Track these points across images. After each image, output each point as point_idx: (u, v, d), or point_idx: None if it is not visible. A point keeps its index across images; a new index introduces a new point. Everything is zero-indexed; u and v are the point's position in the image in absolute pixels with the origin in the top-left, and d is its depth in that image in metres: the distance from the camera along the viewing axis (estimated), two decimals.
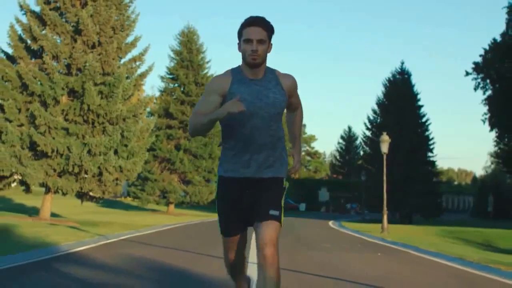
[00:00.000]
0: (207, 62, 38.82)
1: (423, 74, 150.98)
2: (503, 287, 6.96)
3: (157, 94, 38.57)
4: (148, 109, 34.42)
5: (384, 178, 22.04)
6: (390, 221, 39.40)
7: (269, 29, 3.27)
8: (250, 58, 3.22)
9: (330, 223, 31.35)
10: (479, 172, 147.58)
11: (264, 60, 3.28)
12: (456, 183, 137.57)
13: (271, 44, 3.31)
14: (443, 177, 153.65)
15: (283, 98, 3.35)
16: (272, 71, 3.39)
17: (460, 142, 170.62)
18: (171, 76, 38.44)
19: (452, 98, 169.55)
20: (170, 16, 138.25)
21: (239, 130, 3.29)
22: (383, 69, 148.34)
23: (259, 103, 3.28)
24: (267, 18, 3.32)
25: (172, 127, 37.29)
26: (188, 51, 38.32)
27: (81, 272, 6.96)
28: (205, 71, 38.56)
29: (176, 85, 38.35)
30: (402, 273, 7.98)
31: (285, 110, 3.55)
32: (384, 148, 21.35)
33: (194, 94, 37.19)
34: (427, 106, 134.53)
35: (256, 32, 3.21)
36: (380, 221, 26.26)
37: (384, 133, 22.14)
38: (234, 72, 3.34)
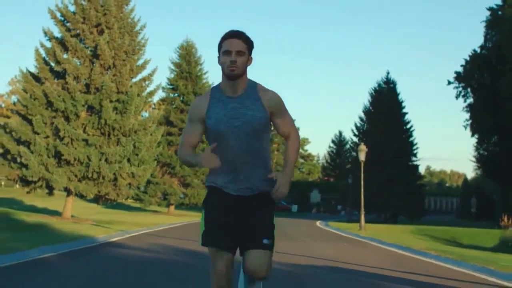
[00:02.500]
0: (205, 73, 41.84)
1: (409, 82, 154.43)
2: (418, 262, 10.00)
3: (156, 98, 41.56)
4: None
5: (362, 182, 25.12)
6: (375, 221, 42.76)
7: (249, 43, 3.26)
8: (228, 69, 3.19)
9: (318, 223, 34.35)
10: (470, 174, 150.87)
11: (243, 72, 3.23)
12: (447, 184, 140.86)
13: (251, 58, 3.29)
14: (435, 179, 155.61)
15: (262, 114, 3.26)
16: (254, 86, 3.32)
17: (453, 144, 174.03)
18: (171, 87, 41.44)
19: (439, 103, 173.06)
20: (171, 28, 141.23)
21: (219, 151, 3.21)
22: (374, 75, 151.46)
23: (236, 122, 3.22)
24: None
25: (172, 134, 40.26)
26: (187, 63, 41.30)
27: (130, 253, 9.96)
28: (203, 81, 41.54)
29: (176, 95, 41.36)
30: (352, 254, 11.05)
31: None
32: (362, 156, 24.42)
33: None
34: (413, 112, 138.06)
35: (235, 44, 3.20)
36: (365, 221, 29.32)
37: (362, 144, 25.19)
38: (214, 91, 3.33)
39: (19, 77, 72.68)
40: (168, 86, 41.47)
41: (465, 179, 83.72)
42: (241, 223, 3.25)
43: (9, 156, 21.92)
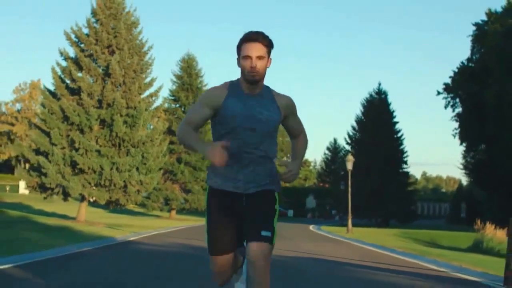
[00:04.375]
0: (205, 85, 44.17)
1: (405, 88, 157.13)
2: (383, 256, 12.27)
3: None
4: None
5: (349, 189, 27.43)
6: (367, 225, 44.94)
7: (269, 45, 3.25)
8: (249, 75, 3.21)
9: (311, 227, 36.60)
10: (465, 180, 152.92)
11: (263, 76, 3.26)
12: (443, 190, 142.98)
13: (271, 59, 3.30)
14: (431, 184, 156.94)
15: (277, 117, 3.32)
16: (268, 89, 3.37)
17: (450, 150, 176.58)
18: (173, 98, 43.78)
19: (436, 110, 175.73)
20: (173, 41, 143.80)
21: (230, 144, 3.21)
22: (369, 83, 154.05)
23: (253, 119, 3.25)
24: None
25: (174, 142, 42.52)
26: (188, 76, 43.68)
27: (151, 248, 12.20)
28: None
29: (177, 105, 43.71)
30: (330, 250, 13.34)
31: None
32: (349, 165, 26.75)
33: None
34: (410, 118, 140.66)
35: (255, 48, 3.20)
36: (357, 225, 31.80)
37: (349, 154, 27.49)
38: (232, 85, 3.33)
39: (23, 86, 74.07)
40: (170, 97, 43.78)
41: (460, 185, 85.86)
42: (244, 218, 3.34)
43: (26, 165, 24.16)
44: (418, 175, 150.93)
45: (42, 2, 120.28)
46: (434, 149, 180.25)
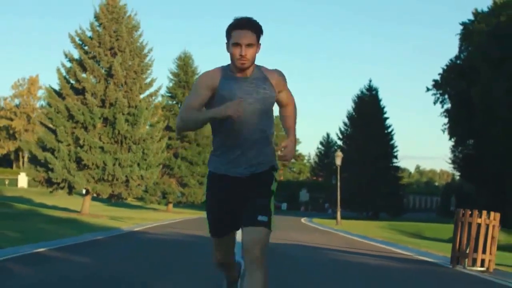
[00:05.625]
0: None
1: (396, 85, 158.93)
2: (363, 243, 13.83)
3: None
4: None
5: (338, 184, 29.01)
6: (358, 218, 46.53)
7: (258, 31, 3.25)
8: (239, 62, 3.22)
9: (303, 219, 38.09)
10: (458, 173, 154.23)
11: (253, 62, 3.28)
12: (436, 183, 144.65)
13: (260, 44, 3.29)
14: (424, 178, 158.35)
15: (272, 94, 3.34)
16: (259, 68, 3.37)
17: (444, 144, 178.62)
18: (170, 95, 45.25)
19: (428, 102, 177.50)
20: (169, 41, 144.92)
21: (229, 126, 3.26)
22: (362, 79, 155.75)
23: (250, 99, 3.26)
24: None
25: (171, 138, 43.99)
26: (184, 73, 45.11)
27: (157, 237, 13.71)
28: None
29: (174, 102, 45.18)
30: (315, 239, 14.88)
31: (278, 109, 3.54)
32: (338, 161, 28.31)
33: None
34: (403, 111, 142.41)
35: (245, 36, 3.20)
36: (348, 218, 33.40)
37: (338, 150, 29.04)
38: (224, 69, 3.34)
39: (21, 81, 75.60)
40: (167, 94, 45.23)
41: (453, 179, 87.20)
42: (242, 202, 3.33)
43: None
44: (412, 169, 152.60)
45: None
46: (428, 142, 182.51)
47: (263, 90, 3.32)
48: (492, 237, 8.03)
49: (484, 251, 7.98)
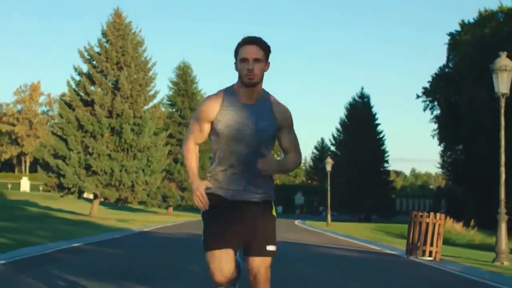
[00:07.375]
0: (200, 91, 47.81)
1: (393, 88, 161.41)
2: (346, 242, 15.89)
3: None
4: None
5: (328, 187, 31.05)
6: (350, 220, 48.64)
7: (266, 48, 3.28)
8: (246, 77, 3.22)
9: (296, 221, 40.09)
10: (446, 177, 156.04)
11: (260, 79, 3.27)
12: (431, 186, 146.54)
13: (269, 63, 3.31)
14: (419, 181, 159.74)
15: (273, 127, 3.32)
16: (267, 97, 3.36)
17: (438, 147, 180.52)
18: (170, 103, 47.34)
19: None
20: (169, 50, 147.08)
21: (227, 153, 3.31)
22: (355, 85, 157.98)
23: (247, 130, 3.25)
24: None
25: (172, 145, 46.00)
26: (183, 82, 47.17)
27: (167, 236, 15.72)
28: (198, 98, 47.35)
29: (174, 110, 47.26)
30: (303, 238, 16.94)
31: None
32: (328, 167, 30.37)
33: (189, 117, 46.04)
34: (392, 117, 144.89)
35: (253, 51, 3.22)
36: (340, 220, 35.45)
37: (328, 157, 31.12)
38: (227, 93, 3.33)
39: (24, 88, 77.54)
40: (167, 102, 47.30)
41: (447, 182, 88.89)
42: (243, 228, 3.33)
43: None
44: (407, 172, 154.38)
45: None
46: (423, 145, 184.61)
47: (263, 121, 3.31)
48: (438, 233, 10.11)
49: (431, 244, 10.06)
